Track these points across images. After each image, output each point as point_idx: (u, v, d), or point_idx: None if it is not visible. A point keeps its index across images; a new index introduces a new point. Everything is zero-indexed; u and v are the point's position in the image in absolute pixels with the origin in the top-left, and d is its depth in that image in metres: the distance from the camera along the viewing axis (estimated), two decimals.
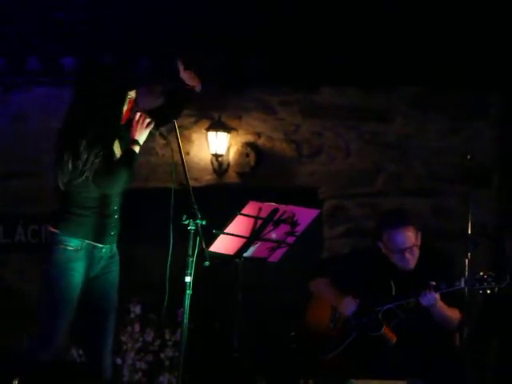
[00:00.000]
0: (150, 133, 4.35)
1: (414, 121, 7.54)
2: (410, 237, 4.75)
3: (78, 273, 4.28)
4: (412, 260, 4.79)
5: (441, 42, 7.01)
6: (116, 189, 4.32)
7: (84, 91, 4.32)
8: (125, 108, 4.32)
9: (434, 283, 4.59)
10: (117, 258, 4.48)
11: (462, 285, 4.57)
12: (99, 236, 4.33)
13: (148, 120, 4.29)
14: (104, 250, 4.37)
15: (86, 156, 4.16)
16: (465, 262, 5.21)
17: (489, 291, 4.47)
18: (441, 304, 4.63)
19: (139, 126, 4.28)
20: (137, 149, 4.30)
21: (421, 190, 7.43)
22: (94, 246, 4.32)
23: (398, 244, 4.75)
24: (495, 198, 7.32)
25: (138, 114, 4.30)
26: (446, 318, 4.72)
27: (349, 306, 4.85)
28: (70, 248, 4.26)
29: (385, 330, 4.72)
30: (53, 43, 7.40)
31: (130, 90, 4.33)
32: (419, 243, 4.82)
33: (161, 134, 4.39)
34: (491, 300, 6.32)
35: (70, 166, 4.16)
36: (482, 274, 4.51)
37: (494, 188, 7.34)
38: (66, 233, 4.27)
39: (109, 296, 4.43)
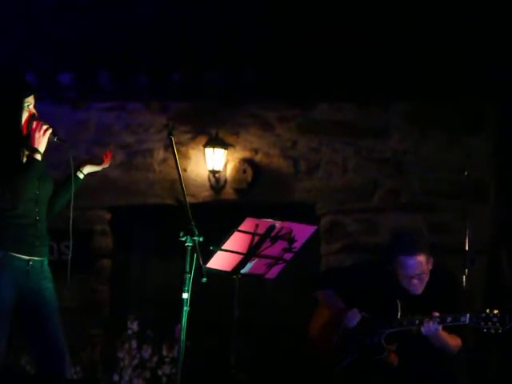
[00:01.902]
0: (49, 139, 4.34)
1: (411, 136, 7.54)
2: (421, 263, 4.64)
3: (5, 286, 4.22)
4: (419, 286, 4.70)
5: (436, 57, 7.03)
6: (22, 197, 4.25)
7: None
8: (24, 117, 4.33)
9: (437, 314, 4.52)
10: (49, 275, 4.40)
11: (467, 321, 4.47)
12: (21, 247, 4.27)
13: (45, 127, 4.31)
14: (31, 263, 4.29)
15: None
16: (462, 278, 5.22)
17: (493, 331, 4.42)
18: (442, 333, 4.57)
19: (37, 133, 4.29)
20: (38, 156, 4.29)
21: (418, 205, 7.42)
22: (18, 258, 4.26)
23: (408, 271, 4.65)
24: (492, 212, 7.31)
25: (35, 123, 4.31)
26: (445, 347, 4.65)
27: (353, 317, 4.79)
28: None
29: (387, 353, 4.70)
30: (50, 59, 7.42)
31: (26, 97, 4.32)
32: (430, 268, 4.71)
33: (59, 139, 4.38)
34: None
35: None
36: (488, 311, 4.41)
37: (491, 203, 7.33)
38: None
39: (47, 312, 4.34)
